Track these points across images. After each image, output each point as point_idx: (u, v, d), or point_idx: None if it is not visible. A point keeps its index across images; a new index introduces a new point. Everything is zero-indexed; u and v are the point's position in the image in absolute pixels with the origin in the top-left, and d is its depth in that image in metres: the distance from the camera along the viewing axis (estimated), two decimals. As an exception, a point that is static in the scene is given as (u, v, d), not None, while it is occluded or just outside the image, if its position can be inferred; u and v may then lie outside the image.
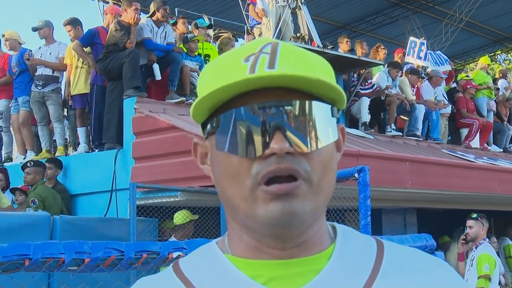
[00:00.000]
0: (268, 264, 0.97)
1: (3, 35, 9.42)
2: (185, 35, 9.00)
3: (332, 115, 0.96)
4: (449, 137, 12.26)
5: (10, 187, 7.65)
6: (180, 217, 6.87)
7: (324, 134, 0.94)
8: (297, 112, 0.92)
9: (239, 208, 0.94)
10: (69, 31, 8.91)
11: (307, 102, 0.92)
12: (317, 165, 0.93)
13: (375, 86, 10.39)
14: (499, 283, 7.54)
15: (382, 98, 10.39)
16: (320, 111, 0.94)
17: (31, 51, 9.00)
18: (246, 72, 0.91)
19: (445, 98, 11.84)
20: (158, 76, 8.02)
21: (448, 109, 11.84)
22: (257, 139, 0.91)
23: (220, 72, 0.95)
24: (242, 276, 0.97)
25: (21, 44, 9.36)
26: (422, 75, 11.75)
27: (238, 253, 1.00)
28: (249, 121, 0.91)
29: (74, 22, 8.90)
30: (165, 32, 8.34)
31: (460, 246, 7.00)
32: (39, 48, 8.93)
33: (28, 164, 7.54)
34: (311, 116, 0.93)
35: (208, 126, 0.98)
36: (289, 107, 0.91)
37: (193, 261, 1.04)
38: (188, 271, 1.01)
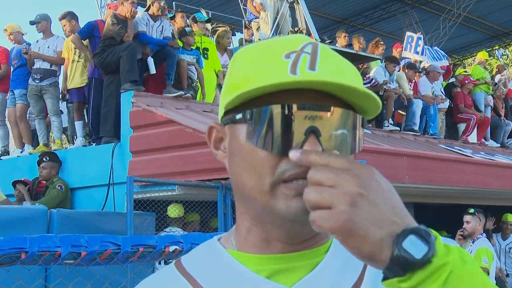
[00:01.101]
0: (271, 258, 0.98)
1: (5, 30, 9.39)
2: (183, 28, 8.98)
3: (362, 126, 0.97)
4: (447, 132, 12.26)
5: (12, 181, 7.61)
6: (174, 211, 7.01)
7: (353, 143, 0.95)
8: (333, 119, 0.92)
9: (256, 201, 0.94)
10: (64, 25, 8.86)
11: (343, 110, 0.93)
12: None
13: (373, 81, 10.38)
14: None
15: (380, 93, 10.39)
16: (353, 121, 0.94)
17: (29, 44, 8.97)
18: (287, 70, 0.92)
19: (442, 93, 11.84)
20: (153, 70, 8.00)
21: (446, 104, 11.84)
22: (291, 139, 0.90)
23: (260, 65, 0.95)
24: (245, 271, 0.98)
25: (23, 34, 9.35)
26: (419, 69, 11.73)
27: (243, 248, 1.01)
28: (286, 119, 0.91)
29: (69, 16, 8.85)
30: (162, 26, 8.31)
31: (457, 241, 7.02)
32: (37, 41, 8.88)
33: (44, 159, 7.52)
34: (345, 124, 0.93)
35: (239, 116, 0.96)
36: (327, 112, 0.91)
37: (196, 258, 1.04)
38: (191, 268, 1.02)
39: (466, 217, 6.88)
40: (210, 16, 10.72)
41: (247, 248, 1.00)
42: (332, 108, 0.92)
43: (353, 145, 0.94)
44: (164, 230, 6.83)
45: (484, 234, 6.98)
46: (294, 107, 0.91)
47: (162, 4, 8.34)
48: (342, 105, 0.93)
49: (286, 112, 0.91)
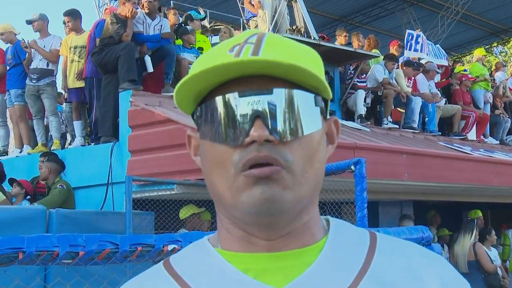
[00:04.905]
0: (258, 257, 0.96)
1: None
2: (185, 26, 8.96)
3: (316, 104, 0.95)
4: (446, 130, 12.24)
5: (8, 178, 7.56)
6: (183, 212, 6.94)
7: (305, 123, 0.93)
8: (277, 100, 0.91)
9: (224, 197, 0.94)
10: (67, 22, 8.77)
11: (287, 90, 0.92)
12: (299, 155, 0.92)
13: (366, 84, 10.43)
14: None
15: (379, 93, 10.41)
16: (301, 100, 0.93)
17: (26, 40, 8.93)
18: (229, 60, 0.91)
19: (438, 91, 11.82)
20: (150, 69, 7.97)
21: (442, 102, 11.82)
22: (238, 127, 0.90)
23: (204, 62, 0.94)
24: (233, 270, 0.96)
25: (16, 34, 9.30)
26: (416, 66, 11.69)
27: (227, 247, 0.99)
28: (230, 109, 0.91)
29: (75, 15, 8.73)
30: (161, 25, 8.30)
31: None
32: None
33: (42, 159, 7.42)
34: (291, 104, 0.92)
35: (195, 117, 0.98)
36: (269, 95, 0.91)
37: (184, 258, 1.03)
38: (179, 268, 1.00)
39: None
40: (208, 15, 10.72)
41: (231, 246, 0.98)
42: (274, 89, 0.91)
43: (304, 124, 0.92)
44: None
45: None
46: (236, 94, 0.91)
47: (153, 2, 8.28)
48: (291, 87, 0.92)
49: (229, 101, 0.91)
